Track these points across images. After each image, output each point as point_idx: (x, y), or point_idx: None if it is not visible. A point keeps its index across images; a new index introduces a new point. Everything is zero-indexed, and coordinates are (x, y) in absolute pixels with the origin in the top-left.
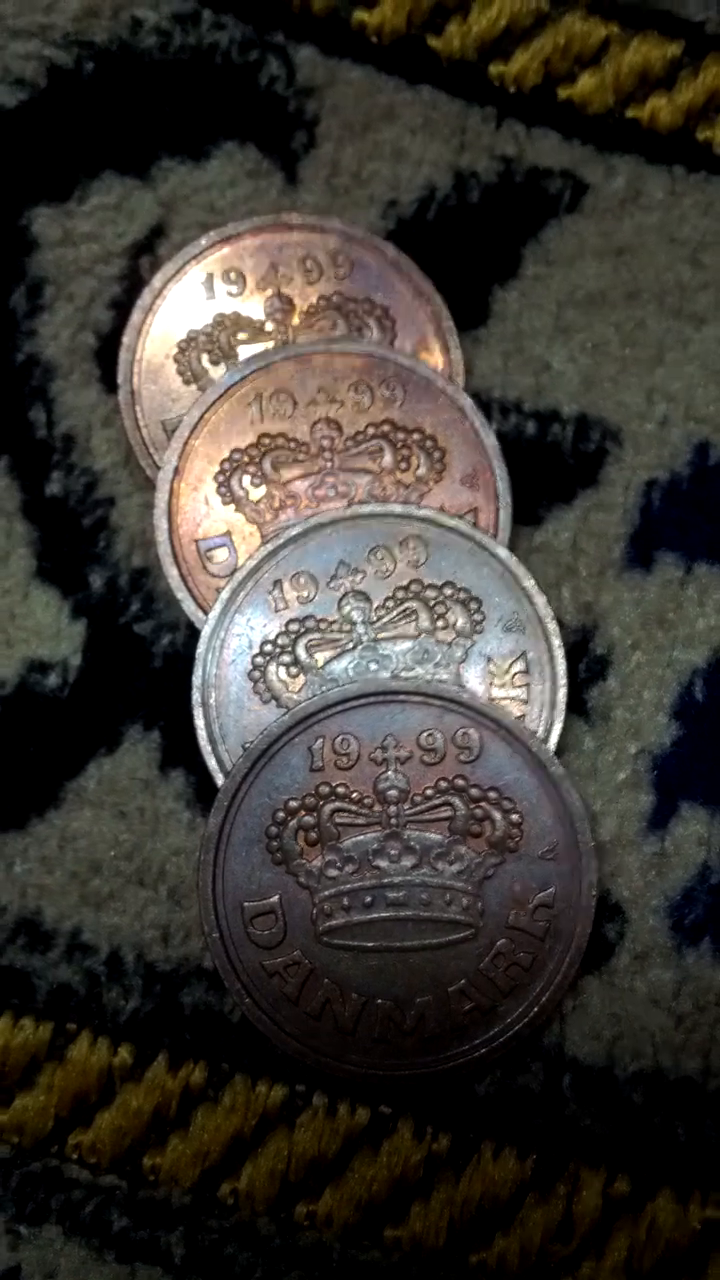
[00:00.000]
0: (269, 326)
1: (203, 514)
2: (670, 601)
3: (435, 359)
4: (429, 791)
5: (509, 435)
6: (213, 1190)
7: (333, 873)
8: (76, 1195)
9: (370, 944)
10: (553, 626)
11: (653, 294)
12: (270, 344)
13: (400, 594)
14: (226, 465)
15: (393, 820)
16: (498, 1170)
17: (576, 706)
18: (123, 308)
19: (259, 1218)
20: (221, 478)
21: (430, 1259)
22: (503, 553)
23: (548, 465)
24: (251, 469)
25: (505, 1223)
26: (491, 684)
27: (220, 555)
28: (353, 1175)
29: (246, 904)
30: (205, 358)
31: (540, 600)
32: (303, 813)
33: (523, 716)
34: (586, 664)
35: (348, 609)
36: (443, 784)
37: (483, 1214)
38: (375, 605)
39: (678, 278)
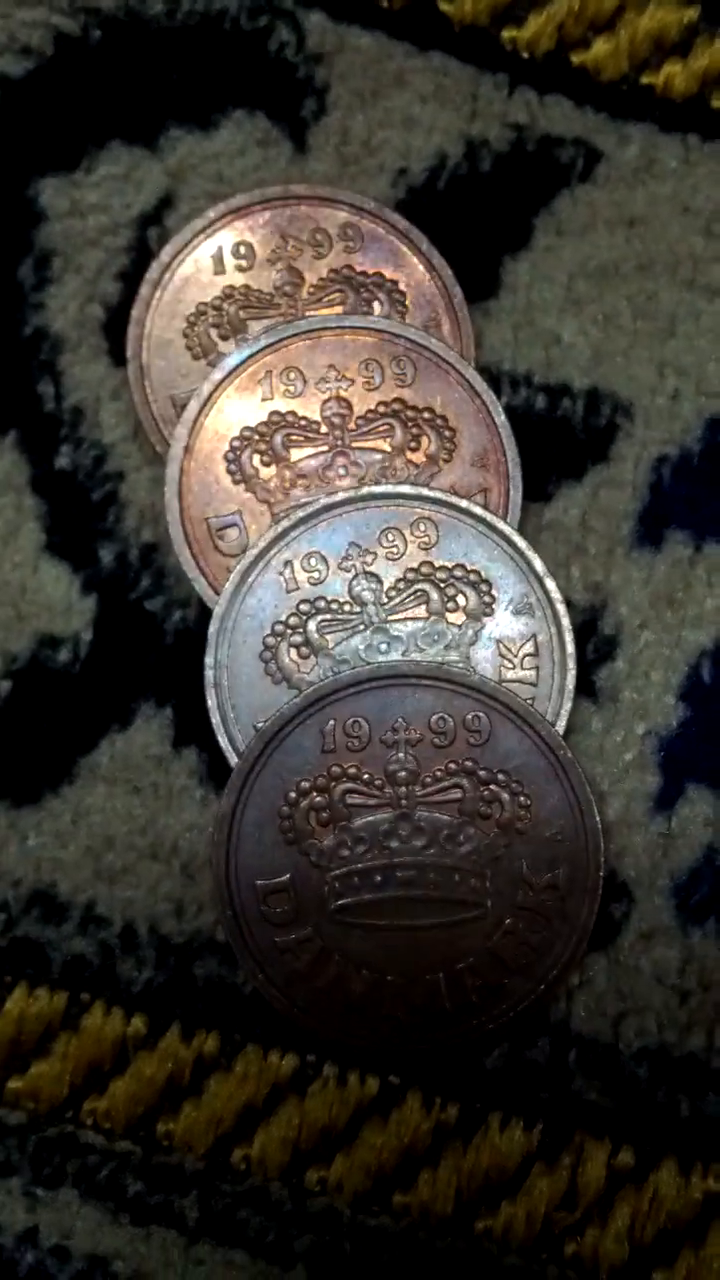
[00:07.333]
0: (278, 300)
1: (213, 492)
2: (679, 581)
3: (445, 332)
4: (439, 773)
5: (519, 409)
6: (225, 1156)
7: (344, 852)
8: (92, 1160)
9: (381, 922)
10: (563, 610)
11: (665, 265)
12: (280, 318)
13: (411, 575)
14: (236, 443)
15: (403, 801)
16: (505, 1140)
17: (585, 687)
18: (131, 280)
19: (271, 1183)
20: (231, 456)
21: (438, 1225)
22: (513, 536)
23: (558, 440)
24: (262, 447)
25: (511, 1191)
26: (502, 667)
27: (231, 534)
28: (363, 1143)
29: (259, 882)
30: (214, 332)
31: (550, 584)
32: (314, 793)
33: (532, 699)
34: (595, 644)
35: (359, 590)
36: (452, 766)
37: (490, 1182)
38: (386, 586)
39: (690, 249)
